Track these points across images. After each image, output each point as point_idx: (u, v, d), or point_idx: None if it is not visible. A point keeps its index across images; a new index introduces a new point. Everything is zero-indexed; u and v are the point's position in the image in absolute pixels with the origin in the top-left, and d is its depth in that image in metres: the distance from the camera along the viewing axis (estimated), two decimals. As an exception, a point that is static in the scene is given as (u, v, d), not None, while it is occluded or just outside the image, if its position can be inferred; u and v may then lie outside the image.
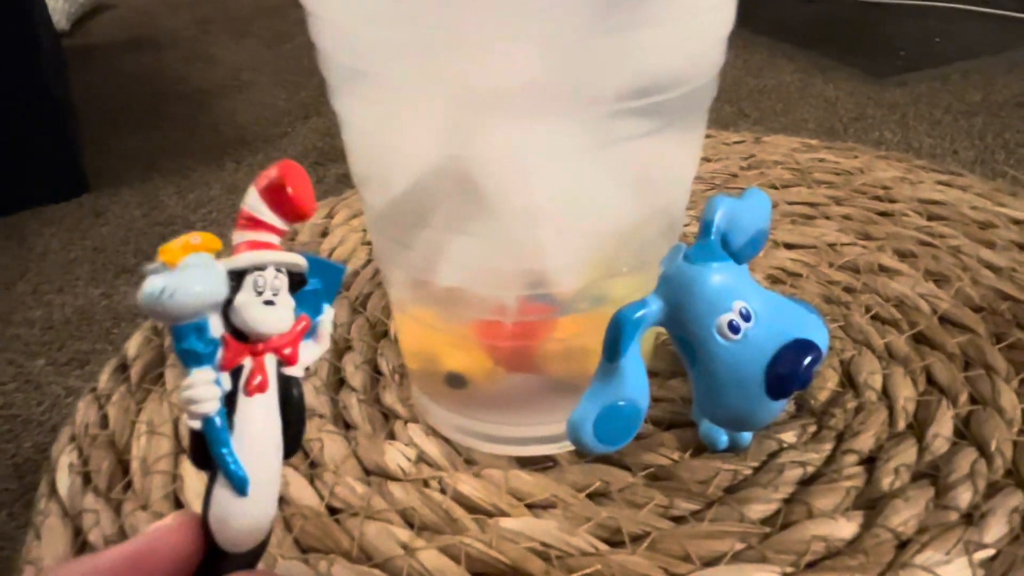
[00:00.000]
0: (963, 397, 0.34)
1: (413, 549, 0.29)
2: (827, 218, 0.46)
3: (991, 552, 0.28)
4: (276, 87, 1.41)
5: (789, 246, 0.44)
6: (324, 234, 0.49)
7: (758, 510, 0.30)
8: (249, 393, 0.20)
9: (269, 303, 0.21)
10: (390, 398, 0.36)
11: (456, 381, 0.33)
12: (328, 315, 0.23)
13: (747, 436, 0.32)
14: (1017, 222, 0.44)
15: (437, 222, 0.28)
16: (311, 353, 0.22)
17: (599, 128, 0.25)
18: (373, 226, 0.31)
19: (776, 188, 0.49)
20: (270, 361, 0.21)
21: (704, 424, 0.33)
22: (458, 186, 0.27)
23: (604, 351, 0.28)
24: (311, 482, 0.32)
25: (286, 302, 0.22)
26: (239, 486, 0.20)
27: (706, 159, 0.53)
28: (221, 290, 0.20)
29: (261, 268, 0.21)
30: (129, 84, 1.46)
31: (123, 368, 0.40)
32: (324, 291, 0.23)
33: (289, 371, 0.22)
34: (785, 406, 0.31)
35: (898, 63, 1.25)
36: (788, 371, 0.29)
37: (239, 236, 0.22)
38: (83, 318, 0.79)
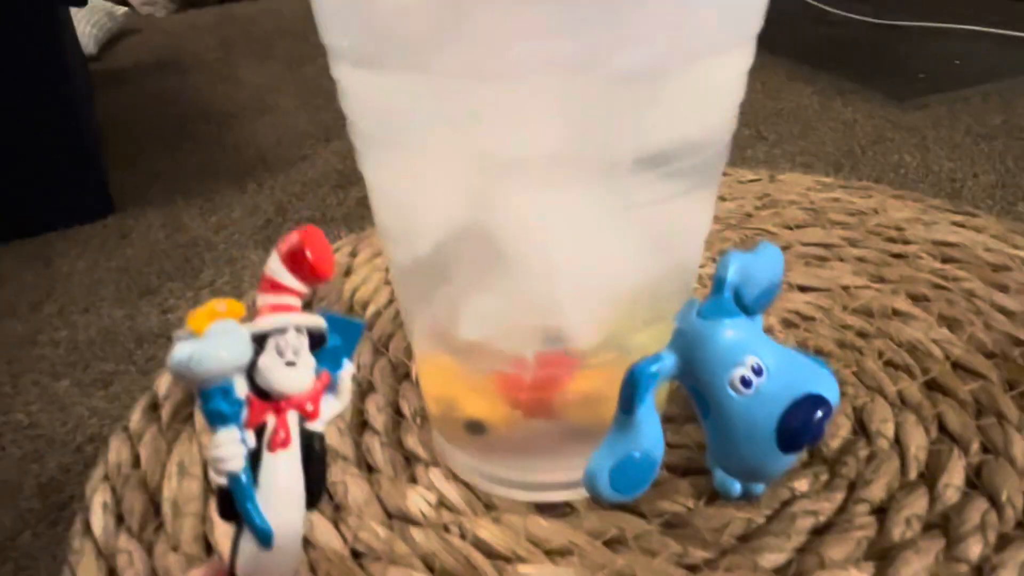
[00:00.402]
0: (975, 446, 0.34)
1: (434, 595, 0.30)
2: (841, 260, 0.47)
3: (1001, 606, 0.28)
4: (298, 109, 1.44)
5: (803, 288, 0.45)
6: (347, 272, 0.50)
7: (771, 559, 0.31)
8: (272, 449, 0.21)
9: (291, 364, 0.22)
10: (412, 441, 0.37)
11: (476, 428, 0.34)
12: (348, 370, 0.24)
13: (760, 484, 0.33)
14: (1032, 263, 0.45)
15: (458, 280, 0.29)
16: (332, 408, 0.23)
17: (617, 194, 0.26)
18: (396, 279, 0.33)
19: (791, 228, 0.50)
20: (292, 417, 0.22)
21: (718, 473, 0.33)
22: (479, 247, 0.28)
23: (619, 404, 0.29)
24: (335, 525, 0.33)
25: (307, 362, 0.23)
26: (264, 539, 0.21)
27: (721, 198, 0.54)
28: (245, 355, 0.22)
29: (282, 331, 0.22)
30: (155, 106, 1.49)
31: (154, 407, 0.41)
32: (344, 347, 0.25)
33: (311, 426, 0.23)
34: (796, 459, 0.32)
35: (917, 86, 1.25)
36: (800, 425, 0.29)
37: (262, 299, 0.23)
38: (107, 339, 0.80)
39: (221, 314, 0.21)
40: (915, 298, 0.43)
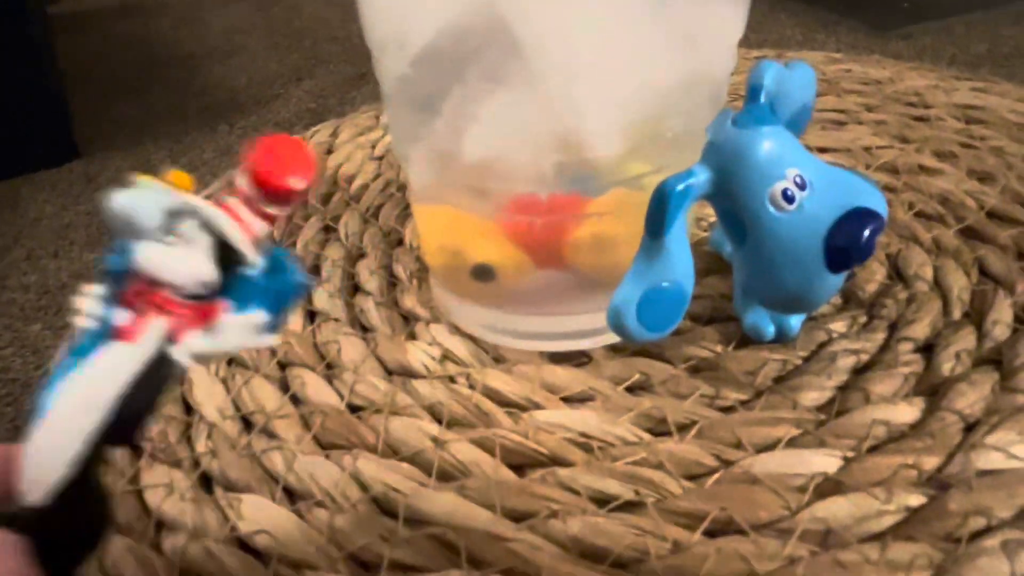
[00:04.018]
0: (1021, 287, 0.32)
1: (443, 442, 0.27)
2: (860, 123, 0.44)
3: (1067, 432, 0.26)
4: (268, 50, 1.38)
5: (822, 150, 0.42)
6: (329, 151, 0.46)
7: (812, 397, 0.28)
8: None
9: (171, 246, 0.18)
10: (409, 301, 0.34)
11: (483, 274, 0.31)
12: (252, 319, 0.19)
13: (795, 326, 0.30)
14: (1058, 127, 0.42)
15: (467, 77, 0.25)
16: (200, 345, 0.18)
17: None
18: (393, 97, 0.29)
19: (804, 98, 0.47)
20: (156, 323, 0.18)
21: (749, 314, 0.30)
22: (490, 37, 0.24)
23: (647, 226, 0.26)
24: (329, 382, 0.30)
25: (197, 258, 0.18)
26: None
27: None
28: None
29: (193, 213, 0.18)
30: (119, 50, 1.43)
31: None
32: (270, 297, 0.19)
33: (171, 350, 0.18)
34: (843, 282, 0.29)
35: (901, 15, 1.22)
36: (849, 241, 0.26)
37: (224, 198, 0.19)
38: (79, 282, 0.77)
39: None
40: (941, 156, 0.40)
